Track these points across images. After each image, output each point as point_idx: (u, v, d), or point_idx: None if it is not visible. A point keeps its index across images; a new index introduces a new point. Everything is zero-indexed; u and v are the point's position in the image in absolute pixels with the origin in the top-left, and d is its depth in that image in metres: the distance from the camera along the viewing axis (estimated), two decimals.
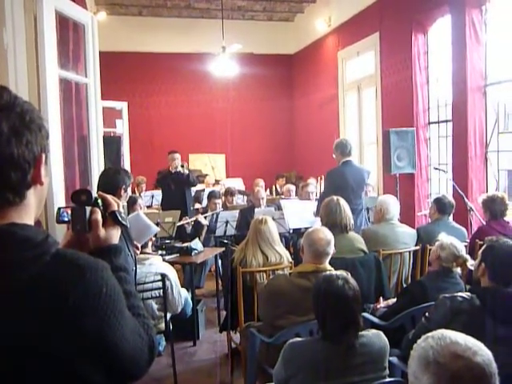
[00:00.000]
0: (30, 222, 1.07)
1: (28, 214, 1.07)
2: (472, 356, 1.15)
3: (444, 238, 3.27)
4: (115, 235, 1.28)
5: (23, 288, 0.95)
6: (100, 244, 1.24)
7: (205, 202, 7.50)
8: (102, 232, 1.24)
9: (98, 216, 1.25)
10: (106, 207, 1.29)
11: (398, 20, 6.96)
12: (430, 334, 1.23)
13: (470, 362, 1.14)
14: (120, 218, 1.29)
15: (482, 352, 1.17)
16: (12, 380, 0.95)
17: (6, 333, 0.94)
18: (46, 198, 1.20)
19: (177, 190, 7.03)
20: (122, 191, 3.22)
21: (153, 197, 8.23)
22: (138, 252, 3.62)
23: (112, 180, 3.24)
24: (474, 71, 5.50)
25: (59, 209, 1.27)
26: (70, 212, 1.26)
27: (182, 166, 6.95)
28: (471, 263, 3.06)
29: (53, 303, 0.95)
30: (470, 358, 1.15)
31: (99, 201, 1.29)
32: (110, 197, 1.31)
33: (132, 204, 6.38)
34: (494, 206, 4.29)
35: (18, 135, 1.00)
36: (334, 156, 5.44)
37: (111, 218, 1.28)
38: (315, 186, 7.09)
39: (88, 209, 1.25)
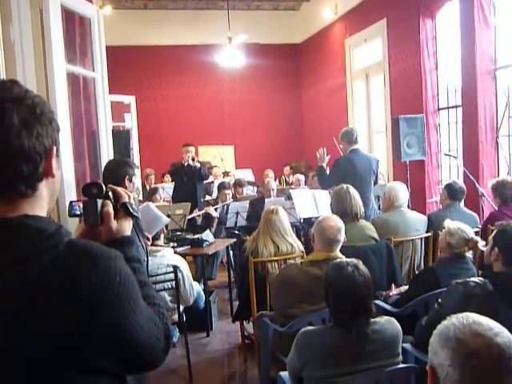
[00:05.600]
0: (43, 214, 1.08)
1: (40, 206, 1.08)
2: (493, 336, 1.15)
3: (450, 223, 3.22)
4: (127, 227, 1.29)
5: (38, 278, 0.96)
6: (112, 236, 1.25)
7: (215, 194, 7.52)
8: (114, 224, 1.25)
9: (110, 208, 1.26)
10: (117, 199, 1.30)
11: (405, 5, 6.88)
12: (454, 315, 1.23)
13: (490, 341, 1.15)
14: (131, 210, 1.30)
15: (504, 334, 1.17)
16: (26, 368, 0.96)
17: (21, 322, 0.95)
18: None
19: (188, 182, 7.06)
20: (127, 182, 3.23)
21: (163, 189, 8.25)
22: (149, 243, 3.64)
23: (115, 172, 3.25)
24: (483, 55, 5.44)
25: (71, 202, 1.28)
26: (81, 205, 1.27)
27: (193, 160, 6.96)
28: (482, 244, 3.05)
29: (67, 292, 0.96)
30: (490, 338, 1.15)
31: (110, 193, 1.29)
32: (120, 189, 1.32)
33: (152, 194, 6.49)
34: (504, 191, 4.25)
35: (29, 127, 1.01)
36: (340, 146, 5.43)
37: (122, 210, 1.29)
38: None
39: (99, 201, 1.26)
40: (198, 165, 7.01)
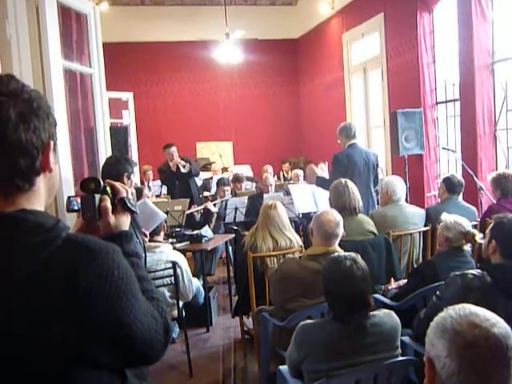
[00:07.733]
0: (40, 208, 1.08)
1: (38, 200, 1.08)
2: (489, 327, 1.16)
3: (447, 217, 3.23)
4: (125, 221, 1.29)
5: (36, 272, 0.96)
6: (110, 231, 1.25)
7: (213, 190, 7.51)
8: (112, 219, 1.26)
9: (108, 203, 1.26)
10: (115, 194, 1.30)
11: None
12: (451, 307, 1.24)
13: (487, 331, 1.15)
14: (129, 205, 1.30)
15: (500, 325, 1.17)
16: (26, 360, 0.97)
17: (20, 317, 0.95)
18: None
19: (180, 183, 7.02)
20: (125, 179, 3.23)
21: (162, 186, 8.26)
22: (147, 239, 3.64)
23: (113, 168, 3.26)
24: (481, 49, 5.43)
25: (69, 198, 1.28)
26: (79, 200, 1.27)
27: (184, 167, 6.89)
28: (480, 236, 3.05)
29: (65, 286, 0.96)
30: (487, 328, 1.16)
31: (108, 188, 1.30)
32: (118, 184, 1.32)
33: (139, 195, 6.42)
34: (504, 184, 4.25)
35: (26, 121, 1.01)
36: (338, 141, 5.43)
37: (120, 205, 1.29)
38: (323, 170, 7.06)
39: (97, 196, 1.26)
40: (188, 168, 6.92)
